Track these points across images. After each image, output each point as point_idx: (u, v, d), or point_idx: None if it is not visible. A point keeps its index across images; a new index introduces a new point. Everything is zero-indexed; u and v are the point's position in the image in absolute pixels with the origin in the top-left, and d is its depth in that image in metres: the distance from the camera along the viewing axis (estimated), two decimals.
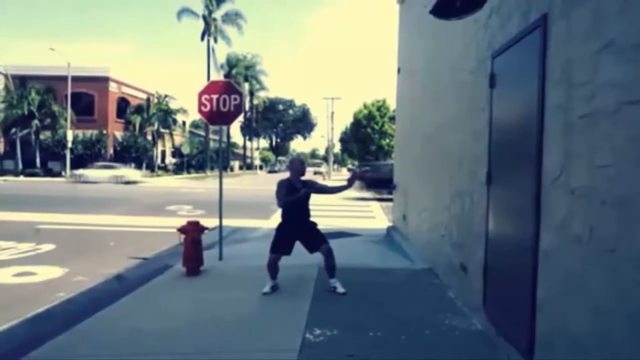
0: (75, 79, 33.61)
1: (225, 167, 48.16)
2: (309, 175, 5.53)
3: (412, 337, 3.84)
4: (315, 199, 5.37)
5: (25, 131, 33.97)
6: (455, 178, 5.09)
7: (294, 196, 5.03)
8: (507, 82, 3.65)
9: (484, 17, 4.12)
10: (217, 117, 6.72)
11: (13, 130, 34.12)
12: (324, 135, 63.09)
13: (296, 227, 5.17)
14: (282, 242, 5.14)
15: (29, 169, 33.22)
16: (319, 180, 5.60)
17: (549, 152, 2.82)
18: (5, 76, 34.28)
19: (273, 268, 5.11)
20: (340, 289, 5.04)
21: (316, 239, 5.16)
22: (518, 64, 3.43)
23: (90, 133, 36.63)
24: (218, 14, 46.24)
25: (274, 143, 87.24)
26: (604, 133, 2.26)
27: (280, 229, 5.23)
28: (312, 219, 5.31)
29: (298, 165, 5.34)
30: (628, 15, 2.12)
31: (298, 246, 5.28)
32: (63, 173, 32.67)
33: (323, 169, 54.16)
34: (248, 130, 65.67)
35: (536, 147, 2.94)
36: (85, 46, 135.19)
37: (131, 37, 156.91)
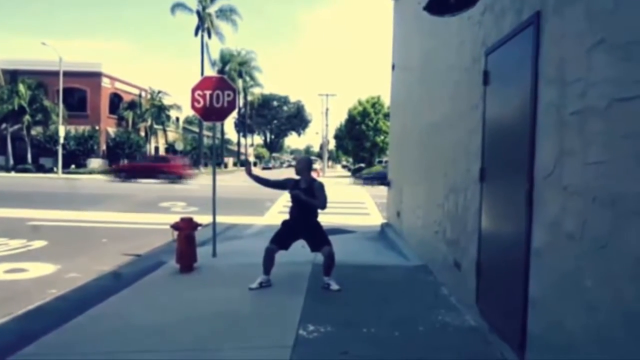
0: (67, 75, 33.17)
1: (219, 163, 47.75)
2: None
3: (406, 334, 3.85)
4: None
5: (16, 127, 33.58)
6: (449, 175, 5.11)
7: (293, 193, 5.25)
8: (501, 79, 3.66)
9: (477, 14, 4.12)
10: (211, 113, 6.69)
11: (4, 125, 33.73)
12: (319, 132, 63.02)
13: (300, 224, 5.26)
14: (283, 235, 5.27)
15: (20, 165, 32.91)
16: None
17: (542, 149, 2.83)
18: None
19: (268, 260, 5.14)
20: (334, 286, 5.05)
21: (320, 240, 5.21)
22: (511, 61, 3.44)
23: (83, 129, 36.25)
24: (212, 10, 45.93)
25: (268, 140, 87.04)
26: (596, 130, 2.27)
27: (285, 223, 5.39)
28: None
29: (298, 164, 5.54)
30: (620, 13, 2.13)
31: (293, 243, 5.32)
32: (55, 169, 32.39)
33: (317, 165, 54.16)
34: (242, 127, 65.43)
35: (529, 144, 2.95)
36: (78, 43, 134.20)
37: (125, 34, 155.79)
